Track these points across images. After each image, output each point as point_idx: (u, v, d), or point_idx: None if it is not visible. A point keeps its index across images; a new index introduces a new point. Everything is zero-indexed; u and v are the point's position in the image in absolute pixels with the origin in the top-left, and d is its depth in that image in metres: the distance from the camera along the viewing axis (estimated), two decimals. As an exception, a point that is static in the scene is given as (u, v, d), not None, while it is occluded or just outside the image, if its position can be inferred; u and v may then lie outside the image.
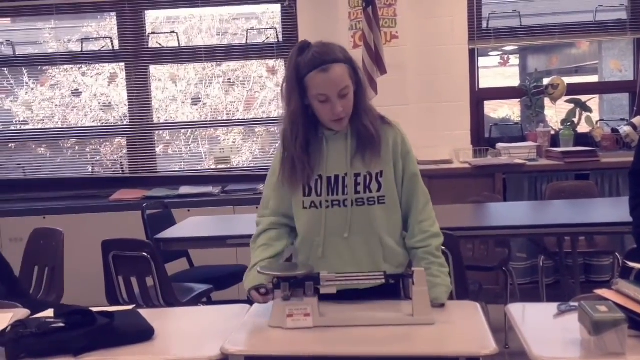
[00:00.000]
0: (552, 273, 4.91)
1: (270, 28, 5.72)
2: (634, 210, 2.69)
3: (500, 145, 5.31)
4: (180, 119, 6.07)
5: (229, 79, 6.08)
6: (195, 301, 3.66)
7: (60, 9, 5.66)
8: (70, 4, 5.64)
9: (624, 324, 1.66)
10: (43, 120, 5.98)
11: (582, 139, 5.32)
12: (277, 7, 5.69)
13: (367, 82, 4.62)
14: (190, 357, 1.91)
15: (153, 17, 5.95)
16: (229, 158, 5.78)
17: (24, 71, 5.92)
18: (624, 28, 5.43)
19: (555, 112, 5.61)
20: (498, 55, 6.73)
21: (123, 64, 5.79)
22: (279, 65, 5.83)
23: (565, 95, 5.38)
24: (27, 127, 5.99)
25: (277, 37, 5.64)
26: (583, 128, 5.41)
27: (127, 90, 5.76)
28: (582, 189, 4.57)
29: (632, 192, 2.72)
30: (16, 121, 6.00)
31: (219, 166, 5.76)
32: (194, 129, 6.01)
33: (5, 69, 5.88)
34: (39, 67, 5.96)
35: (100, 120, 6.03)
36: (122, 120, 5.94)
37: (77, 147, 5.99)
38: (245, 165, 5.91)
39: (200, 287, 3.81)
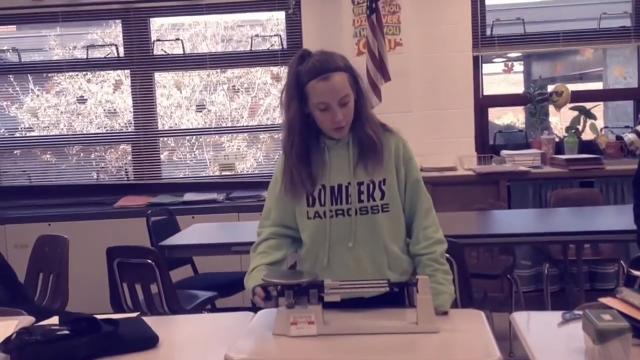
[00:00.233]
0: (557, 281, 4.90)
1: (274, 35, 5.74)
2: (638, 218, 2.69)
3: (504, 152, 5.31)
4: (185, 126, 6.09)
5: (234, 86, 6.10)
6: (200, 308, 3.66)
7: (66, 16, 5.69)
8: (75, 11, 5.67)
9: (628, 333, 1.66)
10: (48, 127, 6.00)
11: (586, 146, 5.31)
12: (281, 15, 5.71)
13: (371, 88, 4.68)
14: (195, 364, 1.91)
15: (158, 24, 5.97)
16: (234, 165, 5.79)
17: (30, 78, 5.94)
18: (628, 35, 5.43)
19: (559, 119, 5.61)
20: (502, 62, 6.74)
21: (128, 71, 5.81)
22: (283, 72, 5.83)
23: (570, 102, 5.37)
24: (32, 133, 6.01)
25: (282, 44, 5.65)
26: (587, 135, 5.40)
27: (132, 97, 5.78)
28: (587, 196, 4.56)
29: (637, 200, 2.71)
30: (21, 128, 6.02)
31: (224, 173, 5.77)
32: (198, 136, 6.02)
33: (10, 75, 5.91)
34: (44, 74, 5.99)
35: (105, 127, 6.05)
36: (127, 127, 5.95)
37: (82, 154, 6.01)
38: (249, 172, 5.92)
39: (204, 294, 3.81)
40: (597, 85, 6.71)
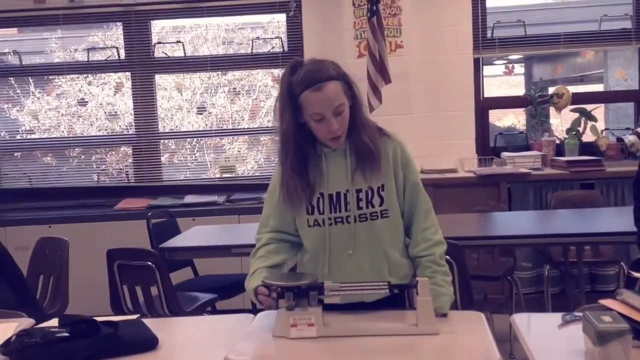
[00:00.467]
0: (557, 282, 4.90)
1: (275, 37, 5.74)
2: (639, 220, 2.68)
3: (505, 154, 5.31)
4: (186, 128, 6.09)
5: (234, 88, 6.10)
6: (200, 310, 3.66)
7: (67, 19, 5.69)
8: (76, 14, 5.67)
9: (628, 335, 1.65)
10: (49, 129, 6.02)
11: (587, 148, 5.31)
12: (282, 17, 5.71)
13: (372, 91, 4.69)
14: (194, 366, 1.91)
15: (159, 27, 5.98)
16: (234, 167, 5.79)
17: (31, 80, 5.96)
18: (629, 37, 5.43)
19: (560, 121, 5.61)
20: (503, 64, 6.74)
21: (129, 73, 5.81)
22: (284, 74, 5.83)
23: (570, 104, 5.38)
24: (33, 136, 6.02)
25: (283, 47, 5.66)
26: (588, 137, 5.40)
27: (133, 100, 5.79)
28: (587, 198, 4.56)
29: (637, 202, 2.71)
30: (22, 130, 6.03)
31: (224, 175, 5.77)
32: (199, 138, 6.03)
33: (11, 78, 5.92)
34: (45, 77, 6.00)
35: (105, 130, 6.06)
36: (127, 129, 5.96)
37: (82, 156, 6.01)
38: (250, 174, 5.93)
39: (204, 297, 3.81)
40: (598, 87, 6.71)
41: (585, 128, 5.37)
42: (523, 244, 4.21)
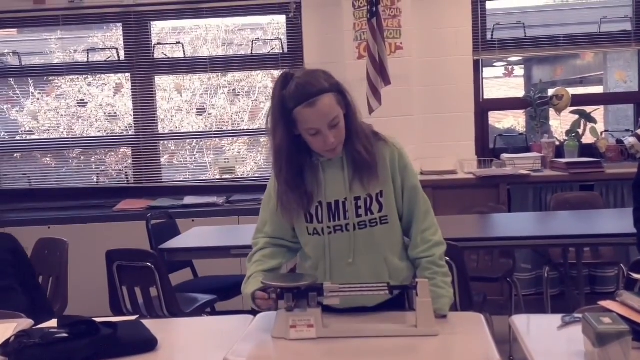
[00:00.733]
0: (557, 284, 4.90)
1: (275, 39, 5.75)
2: (638, 222, 2.68)
3: (504, 155, 5.31)
4: (185, 129, 6.09)
5: (234, 90, 6.10)
6: (199, 311, 3.66)
7: (67, 20, 5.70)
8: (76, 15, 5.67)
9: (628, 336, 1.65)
10: (48, 130, 6.01)
11: (586, 149, 5.31)
12: (282, 18, 5.71)
13: (372, 92, 4.68)
14: (194, 367, 1.91)
15: (159, 28, 5.98)
16: (234, 168, 5.79)
17: (30, 81, 5.96)
18: (629, 39, 5.43)
19: (560, 123, 5.61)
20: (503, 66, 6.73)
21: (128, 74, 5.82)
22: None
23: (570, 106, 5.38)
24: (32, 137, 6.02)
25: (282, 48, 5.66)
26: (588, 139, 5.40)
27: (133, 101, 5.79)
28: (587, 200, 4.56)
29: (637, 204, 2.71)
30: (22, 131, 6.03)
31: (224, 176, 5.77)
32: (198, 139, 6.03)
33: (11, 79, 5.92)
34: (45, 78, 6.00)
35: (105, 130, 6.05)
36: (127, 130, 5.96)
37: (82, 157, 6.01)
38: (250, 176, 5.93)
39: (204, 298, 3.81)
40: (598, 89, 6.70)
41: (584, 130, 5.37)
42: (523, 246, 4.21)
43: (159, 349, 2.01)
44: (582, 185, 4.89)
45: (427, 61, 5.34)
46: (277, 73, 5.94)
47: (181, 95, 6.12)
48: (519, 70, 7.14)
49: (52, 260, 3.66)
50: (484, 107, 5.59)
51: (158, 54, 5.75)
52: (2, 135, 5.97)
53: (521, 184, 4.95)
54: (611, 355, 1.65)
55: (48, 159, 6.03)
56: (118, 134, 6.02)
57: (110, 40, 6.02)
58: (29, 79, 5.94)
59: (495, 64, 6.63)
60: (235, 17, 5.86)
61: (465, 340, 1.97)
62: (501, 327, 3.44)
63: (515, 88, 7.03)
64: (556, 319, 2.06)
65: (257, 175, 5.90)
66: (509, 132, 6.60)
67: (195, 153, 6.09)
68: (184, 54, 5.75)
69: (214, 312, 3.92)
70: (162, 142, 5.90)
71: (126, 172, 5.93)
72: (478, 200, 4.69)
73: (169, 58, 5.77)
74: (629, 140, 5.11)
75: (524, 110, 5.74)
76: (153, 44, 5.76)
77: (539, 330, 2.06)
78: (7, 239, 3.27)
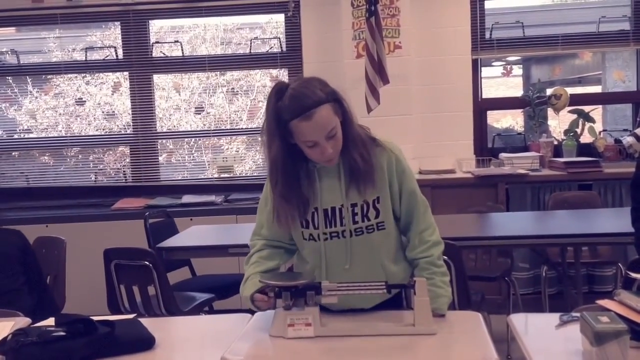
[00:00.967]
0: (555, 283, 4.90)
1: (274, 38, 5.74)
2: (636, 221, 2.68)
3: (503, 155, 5.31)
4: (184, 128, 6.09)
5: (233, 89, 6.10)
6: (197, 310, 3.66)
7: (65, 18, 5.69)
8: (74, 14, 5.67)
9: (626, 335, 1.65)
10: (47, 128, 6.00)
11: (585, 149, 5.32)
12: (281, 17, 5.71)
13: (370, 91, 4.68)
14: (191, 366, 1.91)
15: (157, 27, 5.98)
16: (232, 167, 5.79)
17: (28, 80, 5.95)
18: (627, 39, 5.43)
19: (558, 123, 5.62)
20: (501, 65, 6.74)
21: (127, 73, 5.81)
22: (283, 75, 5.84)
23: (568, 105, 5.38)
24: (30, 135, 6.01)
25: (281, 47, 5.66)
26: (586, 138, 5.40)
27: (131, 99, 5.78)
28: (585, 199, 4.56)
29: (634, 203, 2.71)
30: (20, 130, 6.02)
31: (222, 175, 5.77)
32: (197, 138, 6.02)
33: (9, 77, 5.91)
34: (43, 76, 5.99)
35: (103, 129, 6.05)
36: (125, 129, 5.95)
37: (80, 156, 6.01)
38: (248, 175, 5.92)
39: (202, 296, 3.81)
40: (596, 89, 6.71)
41: (583, 129, 5.37)
42: (521, 245, 4.22)
43: (156, 348, 2.01)
44: (580, 184, 4.89)
45: (425, 60, 5.34)
46: (275, 72, 5.95)
47: (179, 94, 6.12)
48: (518, 70, 7.14)
49: (50, 258, 3.66)
50: (482, 107, 5.59)
51: (156, 52, 5.75)
52: (0, 133, 5.96)
53: (519, 183, 4.95)
54: (609, 354, 1.65)
55: (46, 158, 6.02)
56: (116, 133, 6.02)
57: (108, 38, 6.02)
58: (27, 77, 5.93)
59: (493, 64, 6.64)
60: (233, 15, 5.86)
61: (463, 339, 1.97)
62: (499, 326, 3.45)
63: (513, 87, 7.03)
64: (554, 317, 2.06)
65: (255, 174, 5.89)
66: (507, 131, 6.61)
67: (193, 152, 6.08)
68: (183, 53, 5.75)
69: (211, 311, 3.92)
70: (160, 140, 5.89)
71: (124, 171, 5.92)
72: (476, 200, 4.69)
73: (167, 57, 5.76)
74: (627, 139, 5.11)
75: (522, 110, 5.75)
76: (151, 42, 5.75)
77: (536, 329, 2.06)
78: (17, 235, 3.26)
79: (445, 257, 2.28)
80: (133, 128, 5.80)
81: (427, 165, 5.20)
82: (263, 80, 6.13)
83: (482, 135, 5.59)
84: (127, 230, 4.70)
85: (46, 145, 5.94)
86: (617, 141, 5.31)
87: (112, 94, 6.07)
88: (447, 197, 4.78)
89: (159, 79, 5.95)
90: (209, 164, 5.96)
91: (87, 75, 5.99)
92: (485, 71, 5.85)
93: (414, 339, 1.95)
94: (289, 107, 1.99)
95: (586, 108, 5.43)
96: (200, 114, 6.11)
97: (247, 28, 6.07)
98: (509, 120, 7.08)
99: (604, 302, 1.91)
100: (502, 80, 7.09)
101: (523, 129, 6.21)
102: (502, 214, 4.43)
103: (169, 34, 6.02)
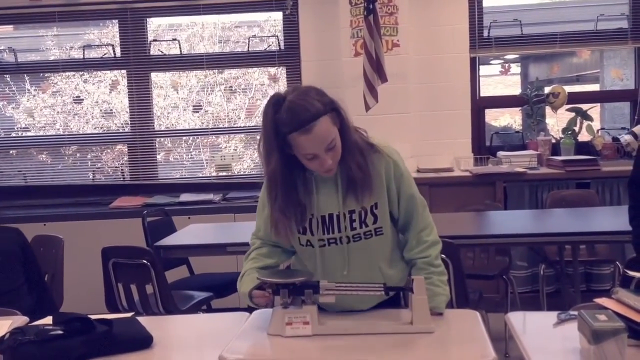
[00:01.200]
0: (553, 281, 4.90)
1: (272, 36, 5.73)
2: (634, 219, 2.69)
3: (501, 153, 5.31)
4: (182, 126, 6.08)
5: (231, 87, 6.09)
6: (195, 309, 3.65)
7: (63, 16, 5.68)
8: (72, 11, 5.66)
9: (623, 333, 1.65)
10: (44, 127, 6.00)
11: (582, 147, 5.32)
12: (279, 15, 5.70)
13: (368, 89, 4.68)
14: (189, 365, 1.91)
15: (155, 25, 5.97)
16: (230, 165, 5.78)
17: (26, 78, 5.93)
18: (625, 37, 5.43)
19: (556, 121, 5.62)
20: (499, 63, 6.74)
21: (125, 71, 5.80)
22: (281, 73, 5.84)
23: (566, 103, 5.38)
24: (28, 133, 6.00)
25: (279, 45, 5.65)
26: (584, 137, 5.41)
27: (129, 98, 5.77)
28: (583, 197, 4.57)
29: (632, 201, 2.71)
30: (17, 128, 6.01)
31: (220, 173, 5.76)
32: (195, 137, 6.02)
33: (7, 75, 5.90)
34: (41, 74, 5.97)
35: (101, 127, 6.04)
36: (123, 127, 5.94)
37: (78, 154, 6.00)
38: (246, 173, 5.92)
39: (200, 295, 3.81)
40: (594, 87, 6.72)
41: (581, 127, 5.37)
42: (519, 243, 4.23)
43: (154, 346, 2.01)
44: (578, 182, 4.90)
45: (423, 59, 5.34)
46: (273, 70, 5.94)
47: (177, 92, 6.11)
48: (516, 68, 7.15)
49: (48, 257, 3.65)
50: (480, 105, 5.59)
51: (154, 50, 5.74)
52: (-3, 132, 5.97)
53: (517, 182, 4.95)
54: (607, 352, 1.65)
55: (44, 156, 6.01)
56: (114, 131, 6.01)
57: (106, 37, 6.01)
58: (25, 75, 5.92)
59: (491, 62, 6.64)
60: (231, 14, 5.85)
61: (461, 337, 1.98)
62: (497, 325, 3.46)
63: (511, 86, 7.04)
64: (552, 316, 2.06)
65: (253, 173, 5.89)
66: (505, 129, 6.61)
67: (191, 150, 6.08)
68: (180, 51, 5.74)
69: (209, 310, 3.92)
70: (158, 139, 5.89)
71: (122, 169, 5.92)
72: (474, 198, 4.69)
73: (165, 55, 5.76)
74: (625, 137, 5.11)
75: (520, 108, 5.74)
76: (149, 40, 5.74)
77: (534, 328, 2.06)
78: (16, 232, 3.26)
79: (443, 255, 2.28)
80: (131, 126, 5.79)
81: (425, 164, 5.20)
82: (261, 78, 6.12)
83: (480, 133, 5.59)
84: (125, 229, 4.69)
85: (44, 144, 5.93)
86: (615, 139, 5.31)
87: (110, 92, 6.07)
88: (445, 196, 4.78)
89: (156, 77, 5.94)
90: (207, 163, 5.95)
91: (85, 73, 5.98)
92: (483, 69, 5.86)
93: (412, 338, 1.95)
94: (287, 120, 1.95)
95: (584, 106, 5.43)
96: (198, 112, 6.11)
97: (245, 26, 6.06)
98: (507, 119, 7.08)
99: (602, 301, 1.91)
100: (500, 79, 7.09)
101: (521, 127, 6.22)
102: (500, 212, 4.44)
103: (166, 32, 6.01)
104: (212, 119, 6.01)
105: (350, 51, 5.11)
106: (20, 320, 2.27)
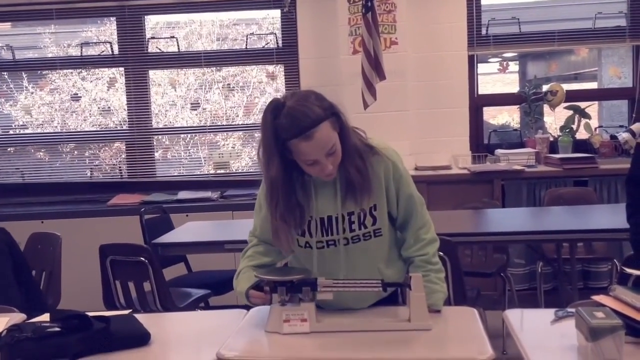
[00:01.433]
0: (550, 279, 4.91)
1: (270, 33, 5.73)
2: (631, 217, 2.68)
3: (499, 151, 5.32)
4: (180, 124, 6.07)
5: (229, 84, 6.08)
6: (193, 306, 3.65)
7: (60, 14, 5.67)
8: (70, 9, 5.65)
9: (621, 330, 1.66)
10: (42, 124, 5.99)
11: (580, 145, 5.32)
12: (277, 13, 5.70)
13: (367, 87, 4.68)
14: (187, 362, 1.91)
15: (153, 22, 5.96)
16: (228, 163, 5.78)
17: (24, 75, 5.93)
18: (623, 35, 5.43)
19: (554, 119, 5.62)
20: (497, 61, 6.74)
21: (122, 68, 5.80)
22: (279, 70, 5.83)
23: (564, 101, 5.38)
24: (26, 131, 5.99)
25: (277, 43, 5.65)
26: (582, 135, 5.41)
27: (127, 95, 5.77)
28: (581, 195, 4.57)
29: (629, 199, 2.71)
30: (15, 125, 6.00)
31: (218, 171, 5.76)
32: (193, 134, 6.01)
33: (4, 73, 5.89)
34: (39, 72, 5.97)
35: (99, 125, 6.03)
36: (121, 125, 5.94)
37: (75, 152, 5.99)
38: (244, 171, 5.91)
39: (198, 292, 3.81)
40: (592, 85, 6.72)
41: (579, 125, 5.38)
42: (516, 241, 4.22)
43: (152, 344, 2.01)
44: (576, 180, 4.90)
45: (422, 56, 5.33)
46: (272, 68, 5.94)
47: (175, 90, 6.10)
48: (514, 66, 7.15)
49: (46, 254, 3.65)
50: (478, 103, 5.59)
51: (152, 48, 5.73)
52: (-5, 129, 5.96)
53: (515, 180, 4.95)
54: (604, 349, 1.65)
55: (41, 154, 6.01)
56: (112, 129, 6.00)
57: (104, 34, 5.99)
58: (23, 73, 5.91)
59: (490, 60, 6.64)
60: (229, 11, 5.84)
61: (459, 334, 1.98)
62: (494, 322, 3.45)
63: (509, 84, 7.04)
64: (549, 313, 2.06)
65: (251, 170, 5.88)
66: (503, 127, 6.61)
67: (189, 148, 6.07)
68: (178, 49, 5.74)
69: (207, 307, 3.92)
70: (156, 136, 5.88)
71: (120, 167, 5.91)
72: (472, 196, 4.69)
73: (163, 52, 5.75)
74: (623, 135, 5.12)
75: (518, 106, 5.74)
76: (147, 38, 5.73)
77: (532, 325, 2.06)
78: (2, 232, 3.26)
79: (441, 253, 2.28)
80: (129, 124, 5.79)
81: (423, 162, 5.20)
82: (259, 76, 6.12)
83: (478, 131, 5.59)
84: (123, 226, 4.69)
85: (42, 141, 5.92)
86: (613, 137, 5.31)
87: (108, 90, 6.06)
88: (443, 193, 4.78)
89: (154, 75, 5.94)
90: (204, 160, 5.95)
91: (83, 70, 5.97)
92: (481, 67, 5.85)
93: (410, 335, 1.95)
94: (287, 127, 1.94)
95: (582, 104, 5.43)
96: (196, 109, 6.10)
97: (243, 24, 6.06)
98: (505, 117, 7.09)
99: (599, 298, 1.92)
100: (498, 77, 7.09)
101: (519, 125, 6.22)
102: (497, 210, 4.44)
103: (164, 30, 6.01)
104: (210, 116, 6.01)
105: (349, 49, 5.11)
106: (18, 317, 2.26)
